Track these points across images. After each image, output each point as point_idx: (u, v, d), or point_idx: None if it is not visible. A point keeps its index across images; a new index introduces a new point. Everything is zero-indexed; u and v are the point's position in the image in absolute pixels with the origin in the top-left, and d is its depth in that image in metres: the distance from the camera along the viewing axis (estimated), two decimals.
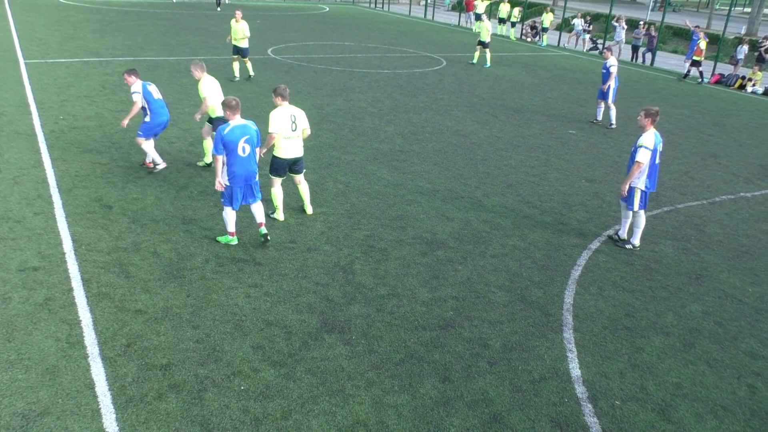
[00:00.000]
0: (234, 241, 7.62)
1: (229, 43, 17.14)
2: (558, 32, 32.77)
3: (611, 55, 15.00)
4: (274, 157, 8.08)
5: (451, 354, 5.85)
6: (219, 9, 35.82)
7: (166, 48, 21.43)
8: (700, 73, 23.15)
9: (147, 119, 9.69)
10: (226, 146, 7.02)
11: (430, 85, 18.54)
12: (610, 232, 8.90)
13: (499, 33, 33.40)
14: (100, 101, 13.76)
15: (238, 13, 17.00)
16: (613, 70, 14.66)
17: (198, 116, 9.99)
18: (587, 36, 30.61)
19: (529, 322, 6.49)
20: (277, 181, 8.21)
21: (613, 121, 15.19)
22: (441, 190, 10.00)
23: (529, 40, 32.05)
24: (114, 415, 4.81)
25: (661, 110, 17.40)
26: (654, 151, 7.95)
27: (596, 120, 15.51)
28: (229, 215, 7.44)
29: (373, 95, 16.50)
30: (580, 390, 5.50)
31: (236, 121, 7.11)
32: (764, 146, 14.72)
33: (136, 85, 9.58)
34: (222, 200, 7.45)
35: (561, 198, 10.12)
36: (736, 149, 14.18)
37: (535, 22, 33.35)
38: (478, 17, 34.37)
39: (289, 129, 7.88)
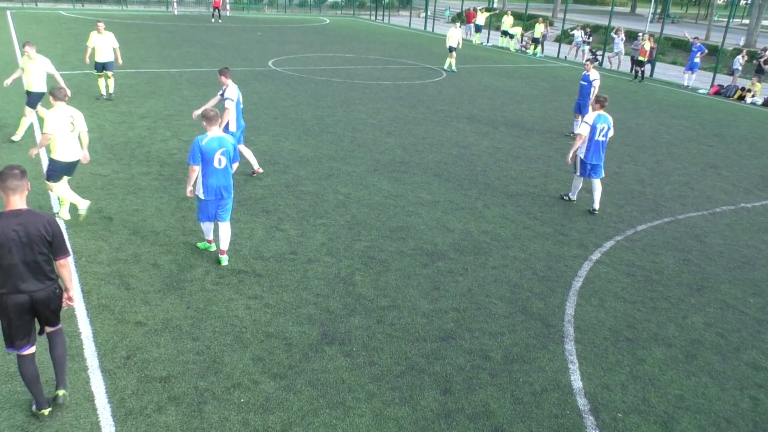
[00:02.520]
0: (213, 247, 7.66)
1: (89, 62, 14.84)
2: (557, 43, 32.95)
3: (593, 67, 14.62)
4: (52, 160, 7.86)
5: (452, 366, 5.83)
6: (217, 21, 36.04)
7: (167, 60, 21.55)
8: (642, 72, 25.02)
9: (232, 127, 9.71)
10: (203, 157, 6.92)
11: (430, 96, 18.61)
12: (611, 242, 8.90)
13: (500, 45, 33.59)
14: (102, 113, 13.82)
15: (101, 25, 14.62)
16: (596, 84, 14.30)
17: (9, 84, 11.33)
18: (587, 47, 30.75)
19: (531, 334, 6.46)
20: (57, 184, 8.02)
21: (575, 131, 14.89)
22: (441, 201, 10.01)
23: (530, 52, 32.22)
24: (113, 428, 4.79)
25: (661, 121, 17.55)
26: (594, 128, 9.65)
27: (572, 133, 14.95)
28: (206, 226, 7.50)
29: (373, 106, 16.56)
30: (582, 402, 5.47)
31: (214, 132, 6.99)
32: (764, 157, 14.74)
33: (231, 89, 9.44)
34: (197, 216, 7.42)
35: (561, 209, 10.12)
36: (736, 160, 14.21)
37: (533, 33, 33.56)
38: (478, 29, 34.62)
39: (68, 131, 7.73)
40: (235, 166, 7.31)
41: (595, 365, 6.02)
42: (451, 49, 23.10)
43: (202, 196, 7.12)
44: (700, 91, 23.93)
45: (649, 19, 42.55)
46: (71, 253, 4.80)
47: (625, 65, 28.37)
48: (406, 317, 6.58)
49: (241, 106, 9.96)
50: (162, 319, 6.22)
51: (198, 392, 5.23)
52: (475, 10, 35.98)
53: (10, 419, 4.81)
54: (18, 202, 4.40)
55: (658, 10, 55.89)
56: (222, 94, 9.57)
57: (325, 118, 14.88)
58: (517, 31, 32.95)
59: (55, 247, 4.50)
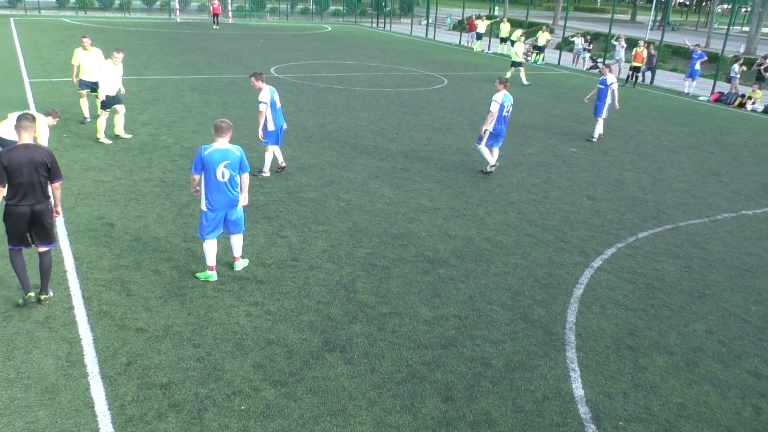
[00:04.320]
0: (213, 276, 7.13)
1: (76, 83, 13.30)
2: (558, 51, 33.01)
3: (609, 72, 15.27)
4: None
5: (453, 373, 5.81)
6: (217, 27, 36.20)
7: (169, 67, 21.63)
8: (636, 77, 25.49)
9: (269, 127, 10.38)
10: (204, 168, 6.68)
11: (432, 103, 18.66)
12: (612, 249, 8.89)
13: (500, 52, 33.66)
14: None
15: (86, 40, 13.07)
16: (615, 87, 15.02)
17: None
18: (587, 55, 30.82)
19: (532, 341, 6.45)
20: None
21: (595, 135, 15.48)
22: (443, 208, 10.01)
23: (531, 59, 32.28)
24: None
25: (662, 128, 17.58)
26: (502, 106, 11.31)
27: (592, 137, 15.68)
28: (209, 247, 7.00)
29: (375, 113, 16.59)
30: (584, 410, 5.46)
31: (220, 144, 6.74)
32: (765, 164, 14.74)
33: (263, 92, 10.10)
34: (198, 233, 7.02)
35: (562, 216, 10.12)
36: (737, 167, 14.21)
37: (536, 41, 33.62)
38: (479, 37, 34.74)
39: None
40: (246, 177, 7.02)
41: (596, 373, 6.00)
42: (515, 64, 23.26)
43: (204, 208, 6.87)
44: (701, 98, 23.97)
45: (649, 27, 42.68)
46: (63, 177, 6.40)
47: (626, 72, 28.39)
48: (408, 324, 6.57)
49: (278, 106, 10.43)
50: (163, 326, 6.22)
51: (198, 399, 5.22)
52: (478, 17, 36.10)
53: (10, 426, 4.80)
54: (27, 138, 6.00)
55: (659, 18, 56.07)
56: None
57: (327, 125, 14.91)
58: (518, 32, 32.73)
59: (52, 172, 6.07)
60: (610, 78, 15.06)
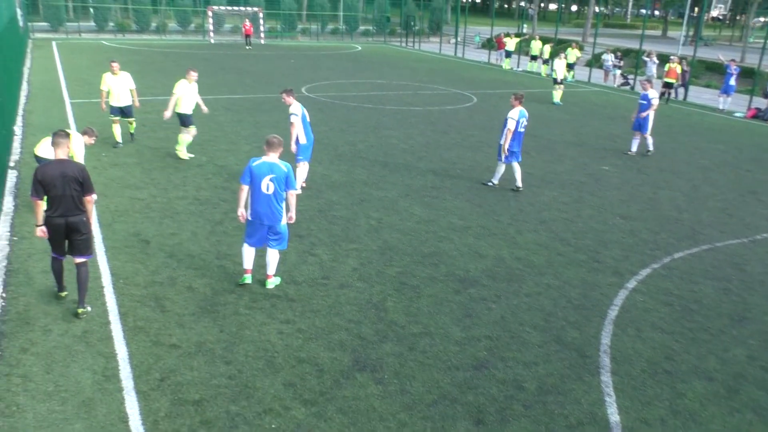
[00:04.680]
0: (247, 279, 7.47)
1: (106, 108, 13.32)
2: (588, 68, 32.76)
3: (651, 87, 15.53)
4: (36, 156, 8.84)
5: (484, 396, 5.74)
6: (249, 48, 36.96)
7: (203, 87, 22.01)
8: (669, 93, 25.03)
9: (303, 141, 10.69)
10: (251, 178, 6.99)
11: (461, 121, 18.66)
12: (647, 270, 8.70)
13: (529, 69, 33.57)
14: (140, 139, 14.22)
15: (115, 65, 13.03)
16: (655, 102, 15.26)
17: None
18: (618, 71, 30.50)
19: (565, 364, 6.33)
20: None
21: (651, 148, 15.82)
22: (473, 227, 9.96)
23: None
24: None
25: (696, 145, 17.23)
26: (518, 122, 11.54)
27: (630, 151, 15.79)
28: (246, 251, 7.39)
29: (404, 132, 16.67)
30: None
31: (269, 158, 7.04)
32: None
33: (294, 106, 10.48)
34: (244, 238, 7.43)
35: (595, 235, 9.97)
36: None
37: (565, 58, 33.35)
38: (508, 54, 34.72)
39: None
40: (292, 194, 7.16)
41: (632, 398, 5.85)
42: (557, 81, 23.00)
43: (249, 218, 7.21)
44: (737, 114, 23.45)
45: (681, 42, 42.07)
46: (95, 192, 6.64)
47: (657, 89, 27.96)
48: (438, 345, 6.52)
49: (308, 120, 10.74)
50: (195, 342, 6.29)
51: (229, 417, 5.25)
52: (507, 35, 36.13)
53: None
54: (61, 154, 6.39)
55: (691, 33, 55.27)
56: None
57: (357, 144, 15.03)
58: (548, 48, 32.28)
59: (85, 186, 6.38)
60: (652, 93, 15.30)
